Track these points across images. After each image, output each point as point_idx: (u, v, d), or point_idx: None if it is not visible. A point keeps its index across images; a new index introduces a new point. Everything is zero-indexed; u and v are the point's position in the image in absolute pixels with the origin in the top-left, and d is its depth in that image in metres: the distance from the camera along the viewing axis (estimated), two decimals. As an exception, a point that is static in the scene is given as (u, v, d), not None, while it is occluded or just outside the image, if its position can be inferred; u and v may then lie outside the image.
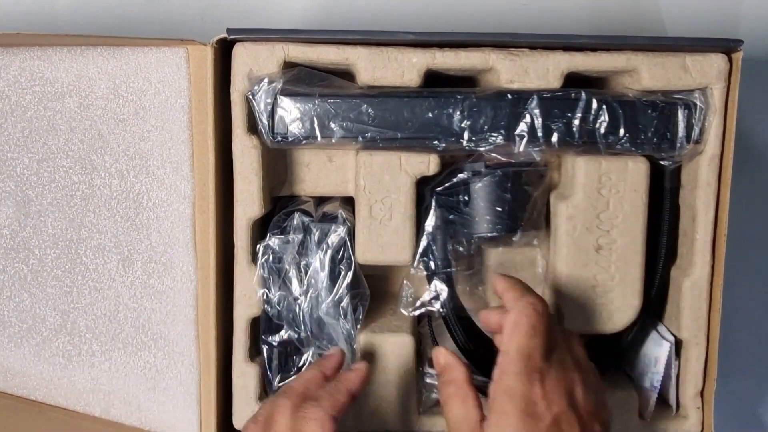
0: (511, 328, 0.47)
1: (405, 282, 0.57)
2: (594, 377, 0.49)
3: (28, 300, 0.60)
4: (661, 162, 0.55)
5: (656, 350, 0.57)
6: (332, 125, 0.53)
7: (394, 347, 0.56)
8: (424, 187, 0.56)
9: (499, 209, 0.54)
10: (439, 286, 0.55)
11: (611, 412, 0.48)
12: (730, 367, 0.72)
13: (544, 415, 0.44)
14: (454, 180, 0.55)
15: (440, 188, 0.55)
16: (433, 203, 0.55)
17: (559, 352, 0.47)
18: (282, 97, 0.53)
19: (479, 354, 0.54)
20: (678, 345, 0.57)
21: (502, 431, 0.44)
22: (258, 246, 0.56)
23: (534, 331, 0.46)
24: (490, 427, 0.45)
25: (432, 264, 0.55)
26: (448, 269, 0.55)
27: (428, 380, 0.58)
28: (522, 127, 0.53)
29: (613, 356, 0.58)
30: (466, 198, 0.55)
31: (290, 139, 0.54)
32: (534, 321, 0.47)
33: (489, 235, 0.55)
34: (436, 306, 0.55)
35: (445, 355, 0.50)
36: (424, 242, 0.55)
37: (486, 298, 0.60)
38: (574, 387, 0.46)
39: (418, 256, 0.55)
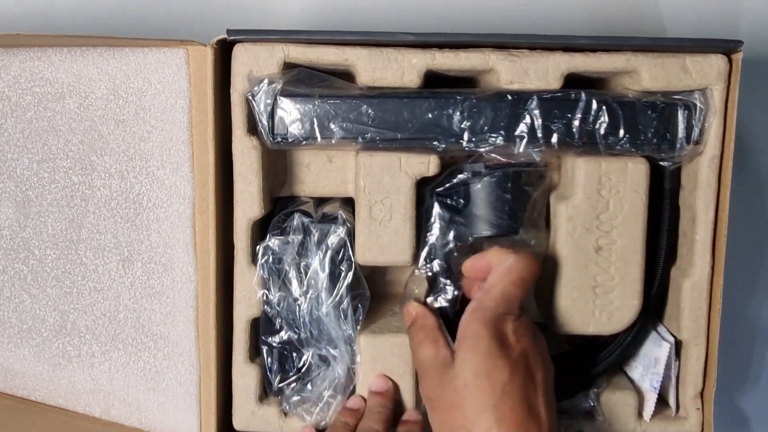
0: (503, 271, 0.50)
1: (408, 283, 0.57)
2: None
3: (28, 300, 0.60)
4: (660, 163, 0.55)
5: (656, 351, 0.57)
6: (332, 126, 0.53)
7: (395, 348, 0.56)
8: (424, 188, 0.56)
9: (500, 209, 0.54)
10: (444, 287, 0.55)
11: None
12: (730, 368, 0.72)
13: (514, 346, 0.48)
14: (454, 180, 0.55)
15: (440, 189, 0.55)
16: (435, 204, 0.55)
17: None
18: (282, 97, 0.53)
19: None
20: (678, 345, 0.57)
21: (474, 355, 0.48)
22: (258, 247, 0.56)
23: (522, 282, 0.50)
24: (461, 351, 0.49)
25: (436, 265, 0.55)
26: (452, 270, 0.55)
27: None
28: (522, 128, 0.53)
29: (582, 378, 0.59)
30: (467, 198, 0.55)
31: (290, 140, 0.54)
32: (526, 274, 0.50)
33: (490, 234, 0.55)
34: (442, 305, 0.55)
35: (416, 307, 0.54)
36: (428, 244, 0.55)
37: None
38: (537, 334, 0.51)
39: (422, 257, 0.55)
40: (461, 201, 0.55)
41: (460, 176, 0.55)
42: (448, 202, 0.55)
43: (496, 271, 0.50)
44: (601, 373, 0.58)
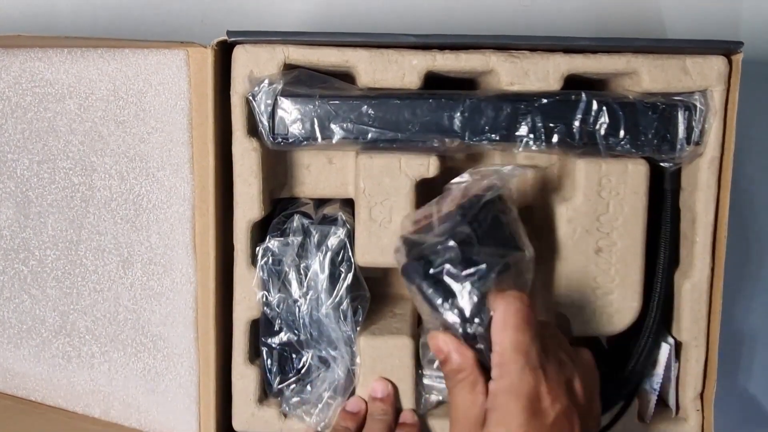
0: (501, 326, 0.45)
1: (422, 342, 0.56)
2: (587, 367, 0.49)
3: (27, 301, 0.60)
4: (661, 164, 0.55)
5: (656, 352, 0.57)
6: (332, 126, 0.53)
7: (394, 349, 0.56)
8: (424, 188, 0.56)
9: (493, 242, 0.50)
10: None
11: (600, 406, 0.49)
12: (730, 369, 0.72)
13: (549, 411, 0.44)
14: (454, 223, 0.49)
15: (433, 270, 0.48)
16: (425, 285, 0.49)
17: (552, 345, 0.47)
18: (282, 98, 0.53)
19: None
20: (677, 347, 0.57)
21: (507, 430, 0.43)
22: (257, 248, 0.56)
23: (525, 325, 0.45)
24: (492, 425, 0.44)
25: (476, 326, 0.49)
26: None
27: (427, 382, 0.58)
28: (522, 129, 0.53)
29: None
30: (475, 234, 0.49)
31: (290, 140, 0.54)
32: (523, 314, 0.45)
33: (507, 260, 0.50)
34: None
35: (446, 342, 0.47)
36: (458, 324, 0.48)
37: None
38: (573, 380, 0.46)
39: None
40: (474, 239, 0.49)
41: (456, 218, 0.49)
42: (463, 246, 0.49)
43: (495, 330, 0.46)
44: (636, 388, 0.58)
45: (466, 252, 0.48)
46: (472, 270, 0.47)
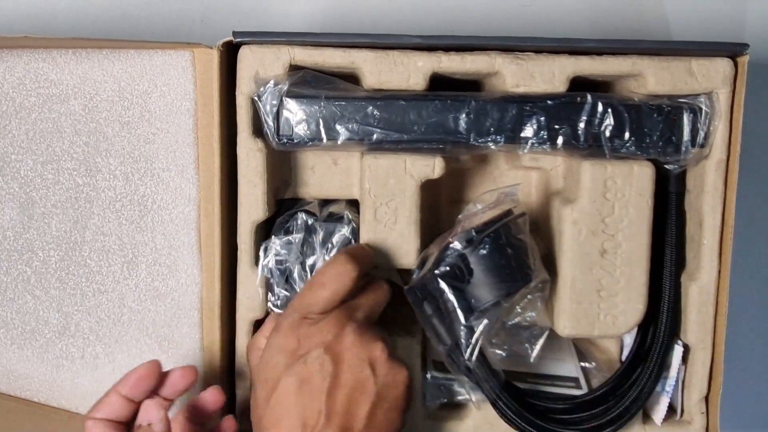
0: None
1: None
2: (390, 386, 0.48)
3: (31, 302, 0.60)
4: (666, 166, 0.55)
5: (669, 355, 0.57)
6: (338, 127, 0.53)
7: (401, 350, 0.56)
8: (430, 190, 0.56)
9: (509, 267, 0.52)
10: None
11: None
12: (734, 372, 0.72)
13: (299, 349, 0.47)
14: (451, 257, 0.52)
15: (441, 270, 0.52)
16: (444, 286, 0.51)
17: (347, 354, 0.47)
18: (287, 99, 0.53)
19: (508, 400, 0.54)
20: (684, 349, 0.57)
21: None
22: (261, 247, 0.56)
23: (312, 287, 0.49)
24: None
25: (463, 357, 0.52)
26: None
27: (433, 382, 0.58)
28: (528, 131, 0.53)
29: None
30: (469, 269, 0.51)
31: (295, 141, 0.54)
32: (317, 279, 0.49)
33: (507, 293, 0.52)
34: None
35: None
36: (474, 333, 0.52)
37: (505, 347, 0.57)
38: (337, 389, 0.46)
39: (467, 350, 0.52)
40: (466, 273, 0.51)
41: (455, 249, 0.52)
42: (455, 281, 0.52)
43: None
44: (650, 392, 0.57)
45: (458, 294, 0.51)
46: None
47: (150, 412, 0.49)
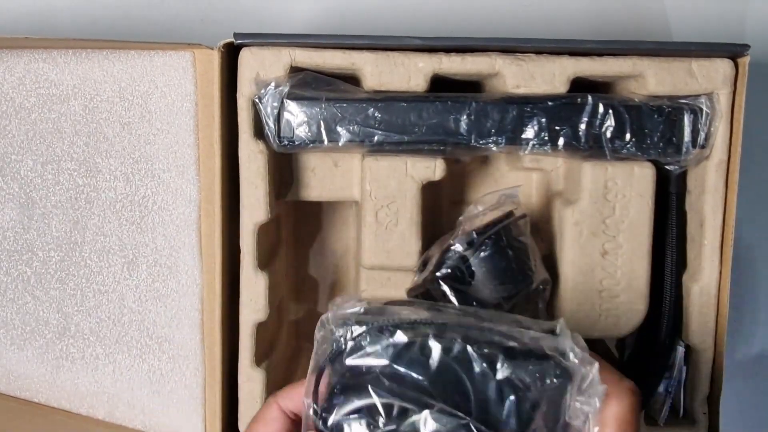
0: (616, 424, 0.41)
1: None
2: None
3: (31, 302, 0.60)
4: (666, 167, 0.55)
5: (672, 355, 0.57)
6: (339, 129, 0.53)
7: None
8: (430, 191, 0.56)
9: (510, 269, 0.52)
10: None
11: None
12: (736, 372, 0.72)
13: None
14: (452, 259, 0.52)
15: (443, 272, 0.52)
16: (446, 288, 0.51)
17: None
18: (288, 101, 0.53)
19: None
20: (686, 350, 0.57)
21: None
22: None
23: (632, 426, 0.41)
24: None
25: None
26: None
27: None
28: (528, 132, 0.53)
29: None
30: (471, 271, 0.52)
31: (296, 143, 0.54)
32: (636, 414, 0.41)
33: (509, 295, 0.52)
34: None
35: None
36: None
37: None
38: None
39: None
40: (467, 276, 0.52)
41: (456, 251, 0.52)
42: (456, 283, 0.52)
43: (607, 421, 0.40)
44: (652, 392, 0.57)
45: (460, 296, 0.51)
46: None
47: None
